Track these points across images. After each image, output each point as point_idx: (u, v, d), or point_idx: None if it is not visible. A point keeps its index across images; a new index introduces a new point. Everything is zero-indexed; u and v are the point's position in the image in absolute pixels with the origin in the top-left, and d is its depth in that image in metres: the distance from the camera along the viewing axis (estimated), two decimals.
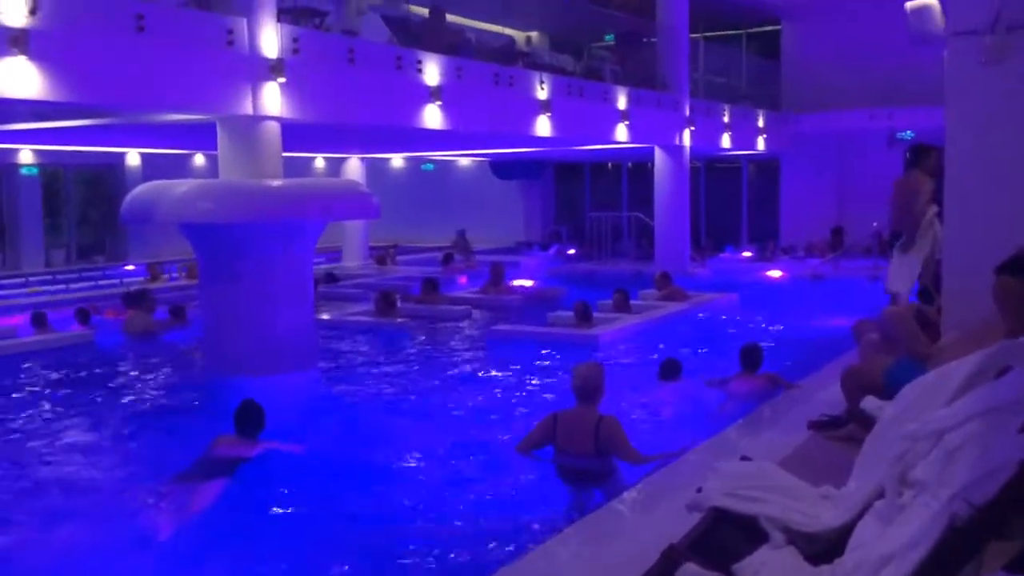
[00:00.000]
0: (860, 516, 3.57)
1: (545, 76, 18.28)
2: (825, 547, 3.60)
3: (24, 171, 24.15)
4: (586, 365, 7.27)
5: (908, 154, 10.61)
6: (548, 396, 10.05)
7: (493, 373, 11.73)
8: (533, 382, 11.15)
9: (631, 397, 9.50)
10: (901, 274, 10.54)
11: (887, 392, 4.70)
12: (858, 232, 25.28)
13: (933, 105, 16.71)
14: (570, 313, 14.13)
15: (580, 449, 6.96)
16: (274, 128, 12.50)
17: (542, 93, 18.07)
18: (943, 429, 3.34)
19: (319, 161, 30.25)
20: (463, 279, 21.53)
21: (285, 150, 12.98)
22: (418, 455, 8.14)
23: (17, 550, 6.33)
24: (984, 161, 7.92)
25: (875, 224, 22.45)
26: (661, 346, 13.00)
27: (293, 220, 11.44)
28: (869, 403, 4.76)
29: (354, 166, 26.70)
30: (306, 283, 12.07)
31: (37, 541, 6.50)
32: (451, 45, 16.71)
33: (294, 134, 15.61)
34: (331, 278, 20.65)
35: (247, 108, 12.15)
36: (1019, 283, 4.56)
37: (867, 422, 4.50)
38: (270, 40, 12.34)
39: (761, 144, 27.01)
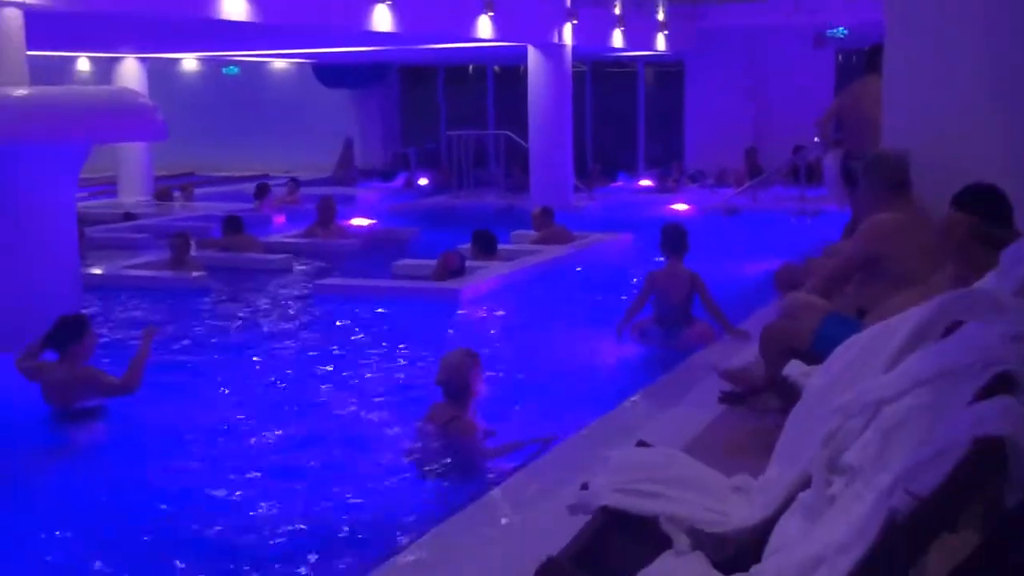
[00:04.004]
0: (782, 511, 3.13)
1: None
2: (739, 550, 3.13)
3: None
4: (455, 354, 6.48)
5: (867, 56, 9.08)
6: (399, 376, 8.38)
7: (324, 344, 9.50)
8: (374, 352, 9.14)
9: (499, 367, 8.12)
10: None
11: (816, 355, 4.16)
12: (778, 154, 21.72)
13: None
14: (421, 262, 12.17)
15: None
16: (14, 17, 10.43)
17: None
18: (880, 401, 2.93)
19: (82, 63, 24.58)
20: (280, 218, 17.83)
21: (31, 47, 10.98)
22: (241, 452, 6.65)
23: None
24: (929, 62, 6.26)
25: (812, 145, 17.70)
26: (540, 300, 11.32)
27: (44, 143, 8.79)
28: (793, 369, 4.17)
29: (131, 70, 21.30)
30: (65, 228, 9.31)
31: None
32: None
33: (44, 25, 12.43)
34: (129, 219, 17.75)
35: None
36: (964, 217, 4.18)
37: (790, 393, 4.04)
38: None
39: (661, 43, 22.40)
